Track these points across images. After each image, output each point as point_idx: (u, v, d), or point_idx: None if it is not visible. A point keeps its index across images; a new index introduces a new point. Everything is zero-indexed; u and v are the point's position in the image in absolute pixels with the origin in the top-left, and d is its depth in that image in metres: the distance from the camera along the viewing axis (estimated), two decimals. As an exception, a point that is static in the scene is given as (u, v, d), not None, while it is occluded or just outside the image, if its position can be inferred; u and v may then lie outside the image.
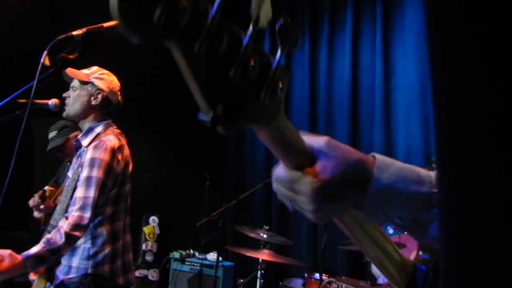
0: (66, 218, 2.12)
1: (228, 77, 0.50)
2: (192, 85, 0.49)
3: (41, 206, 3.15)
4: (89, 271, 2.23)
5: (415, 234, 0.70)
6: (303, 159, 0.67)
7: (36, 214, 3.29)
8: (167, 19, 0.44)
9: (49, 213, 3.28)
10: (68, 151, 3.51)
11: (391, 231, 3.14)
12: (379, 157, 0.70)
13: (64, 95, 2.43)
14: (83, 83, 2.40)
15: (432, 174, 0.70)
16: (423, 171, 0.70)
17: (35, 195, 3.18)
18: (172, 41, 0.46)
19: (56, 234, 2.05)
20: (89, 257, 2.25)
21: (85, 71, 2.45)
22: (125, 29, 0.43)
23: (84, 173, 2.20)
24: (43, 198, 3.13)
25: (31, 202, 3.18)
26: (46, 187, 3.39)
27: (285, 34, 0.56)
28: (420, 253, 0.87)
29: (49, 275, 2.18)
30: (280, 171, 0.69)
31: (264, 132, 0.63)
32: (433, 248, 0.81)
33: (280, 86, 0.56)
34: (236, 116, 0.52)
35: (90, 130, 2.38)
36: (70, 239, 2.05)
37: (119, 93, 2.51)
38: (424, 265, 0.85)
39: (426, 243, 0.80)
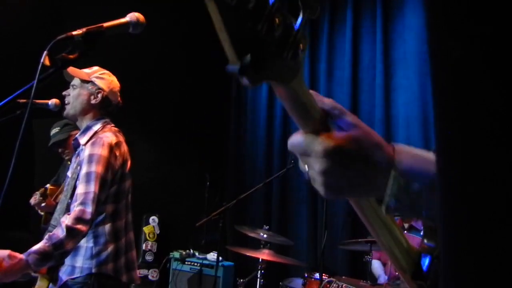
0: (68, 214, 2.12)
1: (255, 31, 0.52)
2: (222, 35, 0.51)
3: (42, 204, 3.16)
4: (93, 270, 2.22)
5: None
6: (319, 125, 0.67)
7: (39, 211, 3.30)
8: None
9: (49, 212, 3.29)
10: (68, 148, 3.52)
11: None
12: (399, 145, 0.70)
13: (64, 93, 2.43)
14: (84, 82, 2.41)
15: None
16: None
17: (36, 193, 3.18)
18: None
19: (58, 229, 2.04)
20: (92, 256, 2.24)
21: (86, 70, 2.45)
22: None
23: (83, 170, 2.20)
24: (44, 196, 3.14)
25: (32, 201, 3.19)
26: (48, 185, 3.39)
27: (306, 1, 0.58)
28: (425, 241, 0.87)
29: (52, 276, 2.17)
30: (295, 136, 0.69)
31: (283, 90, 0.64)
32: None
33: (301, 46, 0.59)
34: (262, 69, 0.53)
35: (88, 128, 2.38)
36: (72, 233, 2.04)
37: (118, 93, 2.52)
38: (429, 253, 0.85)
39: None
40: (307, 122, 0.68)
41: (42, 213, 3.36)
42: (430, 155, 0.68)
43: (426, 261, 0.85)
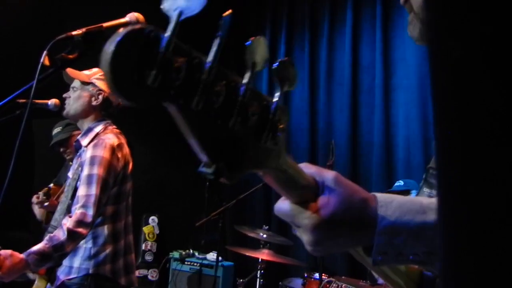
0: (70, 216, 2.12)
1: (227, 127, 0.49)
2: (191, 141, 0.48)
3: (45, 204, 3.16)
4: (90, 271, 2.22)
5: (434, 267, 0.68)
6: (307, 194, 0.67)
7: (36, 210, 3.29)
8: (162, 81, 0.42)
9: (51, 211, 3.29)
10: (70, 147, 3.52)
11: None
12: (379, 195, 0.70)
13: (64, 95, 2.43)
14: (84, 83, 2.41)
15: (435, 200, 0.69)
16: (425, 200, 0.69)
17: (39, 192, 3.19)
18: (169, 102, 0.44)
19: (59, 231, 2.05)
20: (90, 257, 2.24)
21: (86, 72, 2.45)
22: (119, 95, 0.41)
23: (85, 172, 2.20)
24: (47, 195, 3.14)
25: (35, 199, 3.19)
26: (51, 185, 3.40)
27: (283, 74, 0.56)
28: None
29: (50, 276, 2.17)
30: (281, 204, 0.69)
31: (268, 175, 0.62)
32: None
33: (280, 126, 0.56)
34: (239, 166, 0.51)
35: (89, 130, 2.38)
36: (73, 236, 2.04)
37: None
38: (430, 272, 0.84)
39: None
40: (293, 194, 0.67)
41: (40, 215, 3.35)
42: (414, 201, 0.69)
43: (428, 282, 0.84)
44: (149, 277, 5.42)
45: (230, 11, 0.48)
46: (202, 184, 5.59)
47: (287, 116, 0.58)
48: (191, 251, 5.21)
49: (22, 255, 1.95)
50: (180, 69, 0.43)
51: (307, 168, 0.69)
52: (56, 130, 3.57)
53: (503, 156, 0.33)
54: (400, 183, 3.82)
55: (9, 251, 1.94)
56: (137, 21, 1.56)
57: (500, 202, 0.33)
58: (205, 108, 0.46)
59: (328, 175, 0.68)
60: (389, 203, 0.68)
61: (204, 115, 0.47)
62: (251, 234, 3.86)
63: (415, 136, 4.34)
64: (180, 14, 0.43)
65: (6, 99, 1.47)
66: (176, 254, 5.13)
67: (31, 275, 2.23)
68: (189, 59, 0.44)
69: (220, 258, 4.13)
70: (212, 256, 4.93)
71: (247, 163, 0.53)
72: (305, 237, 0.67)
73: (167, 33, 0.42)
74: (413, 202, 0.68)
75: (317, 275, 3.58)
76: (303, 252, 4.94)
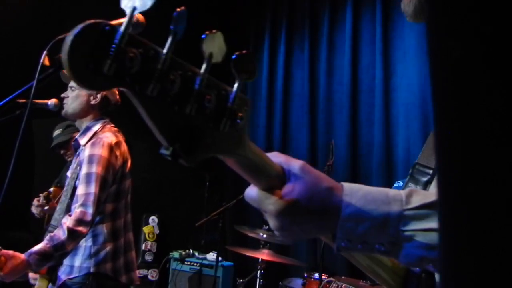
0: (70, 215, 2.13)
1: (184, 114, 0.53)
2: (150, 125, 0.52)
3: (46, 207, 3.16)
4: (91, 270, 2.23)
5: (398, 257, 0.69)
6: (274, 181, 0.69)
7: (34, 210, 3.29)
8: (116, 70, 0.47)
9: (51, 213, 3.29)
10: (71, 149, 3.52)
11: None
12: (346, 184, 0.71)
13: (62, 95, 2.43)
14: None
15: (403, 192, 0.70)
16: (392, 191, 0.70)
17: (40, 195, 3.19)
18: (124, 88, 0.48)
19: (59, 231, 2.05)
20: (90, 256, 2.24)
21: None
22: (76, 81, 0.46)
23: (84, 170, 2.20)
24: (48, 199, 3.15)
25: (35, 202, 3.19)
26: (52, 189, 3.40)
27: (241, 66, 0.58)
28: None
29: (51, 276, 2.17)
30: (249, 190, 0.71)
31: (230, 160, 0.65)
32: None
33: (240, 115, 0.59)
34: (195, 149, 0.54)
35: (88, 129, 2.38)
36: (73, 235, 2.05)
37: (117, 93, 2.52)
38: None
39: (410, 265, 0.80)
40: (260, 181, 0.69)
41: (40, 215, 3.35)
42: (380, 191, 0.71)
43: (414, 278, 0.86)
44: (149, 277, 5.43)
45: (183, 7, 0.51)
46: (202, 184, 5.60)
47: (249, 107, 0.61)
48: (191, 251, 5.21)
49: (23, 256, 1.95)
50: (134, 59, 0.47)
51: (276, 157, 0.71)
52: (56, 132, 3.57)
53: (503, 156, 0.33)
54: (399, 183, 3.82)
55: (10, 252, 1.94)
56: (137, 21, 1.56)
57: (500, 202, 0.33)
58: (160, 95, 0.50)
59: (295, 164, 0.70)
60: (355, 192, 0.69)
61: (161, 102, 0.51)
62: (251, 234, 3.86)
63: (415, 136, 4.34)
64: (134, 10, 0.48)
65: (6, 99, 1.47)
66: (176, 254, 5.13)
67: (31, 280, 2.23)
68: (144, 50, 0.49)
69: (220, 258, 4.14)
70: (212, 256, 4.93)
71: (205, 147, 0.56)
72: (271, 222, 0.70)
73: (122, 27, 0.47)
74: (379, 192, 0.70)
75: (317, 275, 3.58)
76: (303, 252, 4.94)
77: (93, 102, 2.40)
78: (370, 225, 0.67)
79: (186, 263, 5.01)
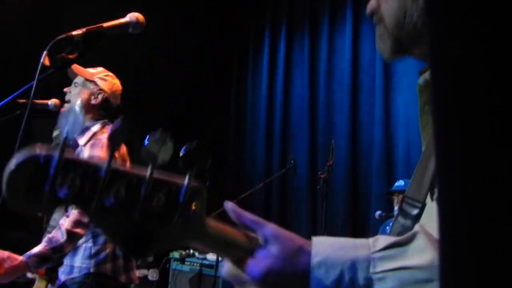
0: (67, 217, 2.12)
1: (133, 219, 0.55)
2: (105, 235, 0.55)
3: None
4: (91, 270, 2.23)
5: None
6: (245, 251, 0.71)
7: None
8: (55, 195, 0.50)
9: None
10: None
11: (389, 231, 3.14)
12: (315, 238, 0.73)
13: (65, 89, 2.43)
14: (87, 81, 2.41)
15: (371, 240, 0.71)
16: (359, 240, 0.72)
17: None
18: (69, 206, 0.53)
19: (58, 233, 2.05)
20: (91, 256, 2.25)
21: (91, 70, 2.45)
22: (15, 208, 0.49)
23: None
24: None
25: None
26: None
27: (191, 160, 0.59)
28: None
29: (50, 276, 2.17)
30: (224, 268, 0.74)
31: (194, 244, 0.67)
32: None
33: (193, 207, 0.61)
34: (145, 250, 0.57)
35: (87, 129, 2.38)
36: (72, 236, 2.05)
37: (120, 96, 2.51)
38: None
39: None
40: (230, 255, 0.72)
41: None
42: (347, 240, 0.73)
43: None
44: (149, 277, 5.42)
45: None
46: (203, 183, 5.59)
47: (203, 196, 0.63)
48: (191, 251, 5.21)
49: (21, 257, 1.96)
50: (73, 181, 0.51)
51: (244, 217, 0.74)
52: (55, 133, 3.57)
53: (503, 156, 0.33)
54: (400, 182, 3.82)
55: (6, 253, 1.94)
56: (137, 21, 1.56)
57: (500, 202, 0.33)
58: (106, 207, 0.53)
59: (267, 229, 0.72)
60: (323, 243, 0.71)
61: (108, 213, 0.53)
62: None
63: (415, 136, 4.33)
64: (66, 138, 0.52)
65: (6, 99, 1.47)
66: (176, 254, 5.13)
67: (29, 274, 2.23)
68: (83, 170, 0.52)
69: (220, 258, 4.13)
70: (212, 256, 4.93)
71: (157, 245, 0.58)
72: None
73: (56, 154, 0.50)
74: (347, 241, 0.73)
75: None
76: (303, 252, 4.94)
77: (93, 102, 2.40)
78: (340, 271, 0.68)
79: (186, 263, 5.01)
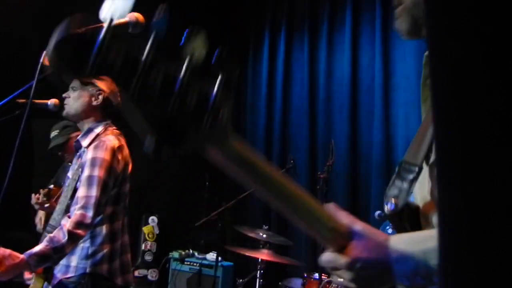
0: (69, 217, 2.13)
1: (167, 111, 0.56)
2: (133, 118, 0.56)
3: (46, 205, 3.16)
4: (87, 270, 2.23)
5: None
6: (344, 239, 0.83)
7: (38, 218, 3.29)
8: (98, 69, 0.52)
9: (50, 212, 3.29)
10: (69, 150, 3.50)
11: (390, 230, 3.15)
12: (393, 236, 0.85)
13: (64, 95, 2.43)
14: (84, 83, 2.40)
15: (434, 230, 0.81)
16: (429, 231, 0.85)
17: (40, 190, 3.18)
18: (109, 76, 0.53)
19: (59, 233, 2.05)
20: (87, 256, 2.25)
21: None
22: (61, 73, 0.51)
23: (86, 173, 2.20)
24: (48, 196, 3.13)
25: (34, 199, 3.18)
26: (51, 186, 3.39)
27: (222, 64, 0.61)
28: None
29: (47, 275, 2.17)
30: (325, 255, 0.85)
31: (216, 154, 0.69)
32: None
33: (222, 113, 0.62)
34: (177, 144, 0.58)
35: (90, 130, 2.38)
36: (73, 237, 2.05)
37: (119, 94, 2.51)
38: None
39: None
40: (248, 175, 0.78)
41: (40, 216, 3.35)
42: (417, 233, 0.87)
43: None
44: (149, 277, 5.42)
45: (164, 6, 0.56)
46: (202, 184, 5.59)
47: (230, 104, 0.63)
48: (191, 251, 5.21)
49: (22, 256, 1.96)
50: (116, 58, 0.52)
51: (341, 214, 0.86)
52: (53, 134, 3.55)
53: (503, 156, 0.33)
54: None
55: (7, 251, 1.94)
56: (137, 21, 1.56)
57: (500, 202, 0.33)
58: (143, 91, 0.54)
59: (358, 225, 0.85)
60: (398, 240, 0.84)
61: (144, 98, 0.54)
62: (251, 234, 3.86)
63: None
64: (111, 20, 0.53)
65: (6, 99, 1.47)
66: (175, 254, 5.13)
67: (26, 281, 2.23)
68: (127, 50, 0.53)
69: (219, 258, 4.14)
70: (211, 256, 4.93)
71: (187, 142, 0.60)
72: (345, 275, 0.83)
73: (102, 34, 0.52)
74: (417, 235, 0.87)
75: (316, 275, 3.58)
76: (303, 252, 4.94)
77: (95, 103, 2.40)
78: (415, 263, 0.79)
79: (185, 263, 5.01)
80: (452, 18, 0.36)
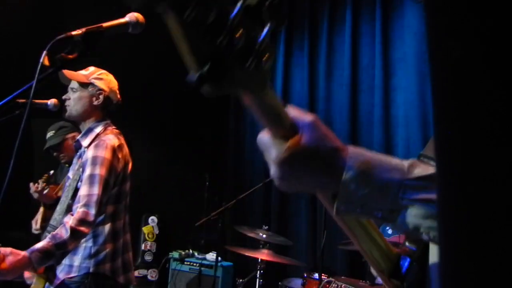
0: (72, 215, 2.14)
1: (215, 44, 0.55)
2: (182, 47, 0.55)
3: (45, 191, 3.15)
4: (91, 270, 2.24)
5: (394, 225, 0.72)
6: (286, 132, 0.71)
7: (34, 194, 3.26)
8: None
9: (48, 206, 3.29)
10: (64, 151, 3.50)
11: (390, 231, 3.15)
12: (351, 148, 0.73)
13: (64, 97, 2.43)
14: (83, 84, 2.41)
15: (405, 162, 0.72)
16: (395, 160, 0.73)
17: (38, 181, 3.18)
18: (164, 7, 0.52)
19: (62, 229, 2.06)
20: (90, 256, 2.25)
21: (83, 72, 2.45)
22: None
23: (87, 172, 2.21)
24: (48, 182, 3.13)
25: (33, 189, 3.18)
26: (52, 171, 3.38)
27: (272, 12, 0.60)
28: (407, 243, 0.90)
29: (48, 275, 2.17)
30: (262, 135, 0.74)
31: (250, 99, 0.67)
32: (420, 240, 0.82)
33: (265, 58, 0.61)
34: (221, 78, 0.57)
35: (90, 130, 2.39)
36: (76, 234, 2.06)
37: (118, 91, 2.53)
38: (409, 256, 0.88)
39: (406, 233, 0.83)
40: (273, 128, 0.72)
41: (36, 217, 3.35)
42: (383, 159, 0.73)
43: (405, 263, 0.88)
44: (149, 277, 5.42)
45: None
46: (202, 184, 5.59)
47: (274, 53, 0.63)
48: (191, 251, 5.21)
49: (24, 252, 1.96)
50: None
51: (291, 110, 0.73)
52: (49, 134, 3.55)
53: (503, 156, 0.33)
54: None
55: (8, 249, 1.94)
56: (136, 21, 1.56)
57: (500, 202, 0.33)
58: (196, 22, 0.53)
59: (307, 118, 0.72)
60: (359, 155, 0.71)
61: (195, 28, 0.54)
62: (251, 234, 3.86)
63: (414, 136, 4.34)
64: None
65: (6, 99, 1.47)
66: (175, 254, 5.13)
67: (27, 281, 2.23)
68: None
69: (219, 258, 4.14)
70: (211, 256, 4.93)
71: (230, 79, 0.59)
72: (272, 170, 0.72)
73: None
74: (384, 159, 0.73)
75: (316, 275, 3.58)
76: (302, 252, 4.94)
77: (95, 103, 2.41)
78: (371, 189, 0.69)
79: (185, 263, 5.01)
80: (452, 18, 0.36)
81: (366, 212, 0.71)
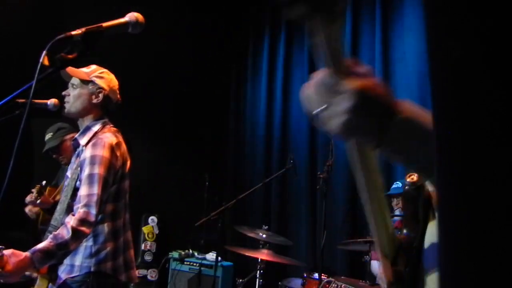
0: (73, 215, 2.14)
1: None
2: None
3: (38, 201, 3.15)
4: (92, 269, 2.24)
5: (430, 178, 0.73)
6: (345, 75, 0.71)
7: (28, 210, 3.28)
8: None
9: (46, 209, 3.29)
10: (63, 153, 3.49)
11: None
12: (404, 101, 0.75)
13: (64, 93, 2.43)
14: (84, 82, 2.41)
15: None
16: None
17: (32, 190, 3.18)
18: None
19: (63, 230, 2.06)
20: (91, 255, 2.25)
21: (85, 69, 2.45)
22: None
23: (86, 171, 2.21)
24: (40, 193, 3.13)
25: (28, 198, 3.19)
26: (44, 182, 3.38)
27: None
28: (405, 231, 0.90)
29: (51, 275, 2.18)
30: (322, 73, 0.74)
31: (324, 32, 0.66)
32: (417, 226, 0.87)
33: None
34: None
35: (87, 129, 2.39)
36: (77, 234, 2.06)
37: (118, 91, 2.52)
38: (408, 242, 0.89)
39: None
40: (337, 66, 0.71)
41: (32, 213, 3.35)
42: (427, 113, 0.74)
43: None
44: (149, 277, 5.42)
45: None
46: (202, 184, 5.59)
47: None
48: (191, 251, 5.21)
49: (26, 253, 1.96)
50: None
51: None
52: (47, 136, 3.54)
53: (503, 156, 0.33)
54: (398, 184, 3.81)
55: (10, 250, 1.94)
56: (136, 21, 1.56)
57: (500, 202, 0.33)
58: None
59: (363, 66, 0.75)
60: (411, 105, 0.75)
61: None
62: (251, 234, 3.86)
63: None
64: None
65: (6, 99, 1.46)
66: (175, 254, 5.13)
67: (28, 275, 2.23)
68: None
69: (219, 258, 4.14)
70: (211, 256, 4.93)
71: (315, 3, 0.61)
72: (344, 102, 0.69)
73: None
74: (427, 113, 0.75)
75: (316, 275, 3.58)
76: (302, 252, 4.94)
77: (95, 101, 2.40)
78: (416, 140, 0.72)
79: (185, 263, 5.01)
80: (452, 18, 0.36)
81: (405, 159, 0.76)
